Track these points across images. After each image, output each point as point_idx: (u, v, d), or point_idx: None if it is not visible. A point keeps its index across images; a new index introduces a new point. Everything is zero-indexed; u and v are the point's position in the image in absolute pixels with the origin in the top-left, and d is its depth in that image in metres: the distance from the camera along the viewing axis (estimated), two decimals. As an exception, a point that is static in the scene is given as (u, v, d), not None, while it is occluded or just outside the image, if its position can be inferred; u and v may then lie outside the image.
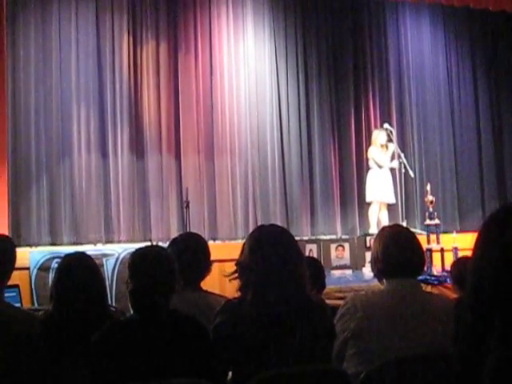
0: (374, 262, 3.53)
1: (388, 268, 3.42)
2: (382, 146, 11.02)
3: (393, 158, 11.08)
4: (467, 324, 1.36)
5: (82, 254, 3.96)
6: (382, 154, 10.99)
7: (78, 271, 3.67)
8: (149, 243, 7.65)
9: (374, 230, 10.50)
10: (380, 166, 10.95)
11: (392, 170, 11.15)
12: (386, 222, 10.75)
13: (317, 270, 4.53)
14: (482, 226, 1.42)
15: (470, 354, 1.34)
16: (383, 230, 3.72)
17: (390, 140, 11.14)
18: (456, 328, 3.16)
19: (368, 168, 11.26)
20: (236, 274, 3.15)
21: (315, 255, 9.97)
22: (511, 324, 1.26)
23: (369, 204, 11.25)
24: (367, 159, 11.33)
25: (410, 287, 3.39)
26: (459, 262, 5.36)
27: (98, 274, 3.83)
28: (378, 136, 11.09)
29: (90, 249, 9.41)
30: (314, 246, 10.49)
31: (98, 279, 3.76)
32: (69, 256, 3.89)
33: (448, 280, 8.40)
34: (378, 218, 11.00)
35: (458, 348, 1.39)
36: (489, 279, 1.30)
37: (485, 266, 1.32)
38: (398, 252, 3.41)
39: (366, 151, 12.03)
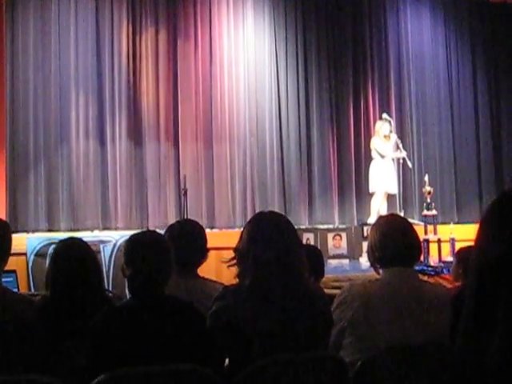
0: (370, 251, 3.52)
1: (385, 257, 3.42)
2: (385, 136, 11.01)
3: (397, 148, 11.08)
4: (469, 314, 1.36)
5: (77, 240, 3.95)
6: (385, 144, 10.97)
7: (73, 256, 3.66)
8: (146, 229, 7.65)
9: (373, 219, 10.48)
10: (382, 156, 10.94)
11: (398, 159, 11.14)
12: (384, 212, 10.75)
13: (316, 258, 4.53)
14: (484, 214, 1.41)
15: (472, 344, 1.33)
16: (380, 219, 3.72)
17: (390, 130, 11.16)
18: (454, 318, 3.16)
19: (370, 158, 11.24)
20: (234, 261, 3.15)
21: (312, 244, 9.96)
22: None
23: (369, 194, 11.24)
24: (370, 149, 11.31)
25: (406, 276, 3.38)
26: (461, 252, 5.34)
27: (94, 259, 3.82)
28: (382, 127, 11.08)
29: (87, 235, 9.42)
30: (311, 235, 10.50)
31: (93, 264, 3.75)
32: (63, 242, 3.87)
33: (444, 270, 8.42)
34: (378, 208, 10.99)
35: (460, 339, 1.38)
36: (492, 270, 1.29)
37: (488, 256, 1.31)
38: (395, 241, 3.40)
39: (365, 141, 12.08)
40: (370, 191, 11.26)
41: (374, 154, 11.11)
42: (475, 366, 1.30)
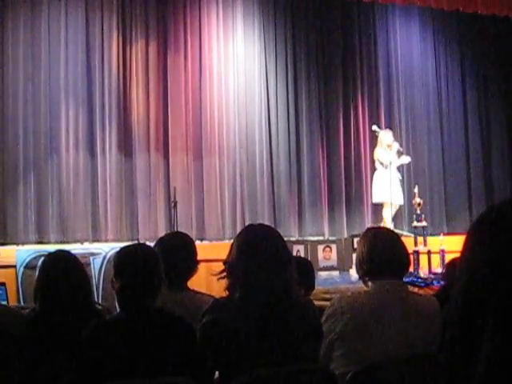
0: (359, 264, 3.52)
1: (373, 269, 3.42)
2: (388, 146, 11.02)
3: (399, 156, 11.15)
4: (455, 328, 1.35)
5: (65, 252, 3.95)
6: (387, 153, 10.97)
7: (61, 269, 3.65)
8: (135, 242, 7.63)
9: None
10: (385, 166, 10.92)
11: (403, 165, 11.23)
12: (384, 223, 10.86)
13: (306, 270, 4.52)
14: (470, 228, 1.40)
15: (459, 358, 1.33)
16: (367, 231, 3.71)
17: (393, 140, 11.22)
18: (443, 331, 3.16)
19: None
20: (224, 274, 3.15)
21: (302, 256, 9.95)
22: (503, 328, 1.25)
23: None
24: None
25: (395, 288, 3.38)
26: (452, 264, 5.34)
27: (82, 271, 3.82)
28: (384, 136, 11.09)
29: (77, 247, 9.39)
30: (301, 247, 10.49)
31: (81, 277, 3.74)
32: (51, 254, 3.87)
33: (435, 282, 8.42)
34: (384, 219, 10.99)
35: (446, 351, 1.37)
36: (479, 284, 1.29)
37: (474, 271, 1.31)
38: (383, 253, 3.41)
39: (355, 153, 12.17)
40: (374, 202, 11.33)
41: (377, 164, 11.13)
42: (464, 376, 1.30)
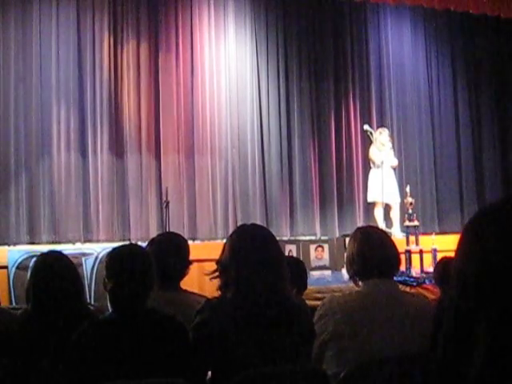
0: (349, 264, 3.52)
1: (363, 269, 3.42)
2: (382, 144, 11.08)
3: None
4: (450, 328, 1.35)
5: (57, 253, 3.94)
6: (379, 152, 11.01)
7: (53, 270, 3.65)
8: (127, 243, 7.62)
9: None
10: (376, 165, 10.98)
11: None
12: (397, 221, 10.86)
13: (299, 270, 4.53)
14: (464, 229, 1.40)
15: (452, 357, 1.33)
16: (357, 231, 3.71)
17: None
18: (435, 330, 3.16)
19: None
20: (216, 273, 3.15)
21: (294, 256, 9.95)
22: (496, 329, 1.25)
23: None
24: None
25: (386, 287, 3.39)
26: (442, 263, 5.38)
27: (74, 272, 3.81)
28: (380, 136, 11.14)
29: (68, 248, 9.37)
30: (293, 247, 10.48)
31: (74, 277, 3.74)
32: (44, 255, 3.86)
33: (426, 281, 8.44)
34: (383, 218, 11.01)
35: (439, 351, 1.38)
36: (473, 285, 1.29)
37: (468, 271, 1.31)
38: (373, 253, 3.41)
39: (346, 152, 12.22)
40: (368, 201, 11.46)
41: (371, 163, 11.20)
42: (456, 379, 1.30)
